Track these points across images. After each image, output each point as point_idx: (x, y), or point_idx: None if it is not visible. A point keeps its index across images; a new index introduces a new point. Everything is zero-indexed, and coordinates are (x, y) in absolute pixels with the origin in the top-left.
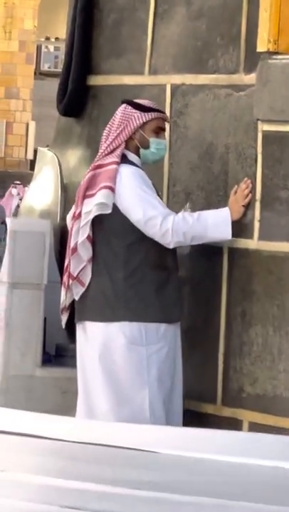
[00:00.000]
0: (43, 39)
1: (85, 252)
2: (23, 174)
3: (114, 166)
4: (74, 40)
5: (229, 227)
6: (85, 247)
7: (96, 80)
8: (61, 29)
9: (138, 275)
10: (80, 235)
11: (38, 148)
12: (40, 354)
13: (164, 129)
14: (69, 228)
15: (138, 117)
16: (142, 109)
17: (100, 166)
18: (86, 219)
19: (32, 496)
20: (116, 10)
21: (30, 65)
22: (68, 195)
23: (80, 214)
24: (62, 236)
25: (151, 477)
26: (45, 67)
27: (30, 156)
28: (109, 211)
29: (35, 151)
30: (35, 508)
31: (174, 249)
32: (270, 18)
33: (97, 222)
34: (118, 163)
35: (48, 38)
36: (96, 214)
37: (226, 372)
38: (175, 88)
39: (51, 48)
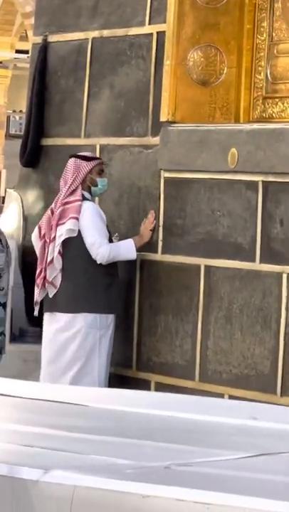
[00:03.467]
0: (11, 111)
1: (58, 264)
2: None
3: (79, 203)
4: (31, 114)
5: (133, 250)
6: (57, 260)
7: (47, 142)
8: (24, 104)
9: (92, 280)
10: (55, 251)
11: (7, 189)
12: (9, 334)
13: (104, 171)
14: (35, 246)
15: (86, 165)
16: (87, 159)
17: (67, 203)
18: (59, 240)
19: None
20: (60, 92)
21: (2, 130)
22: (27, 223)
23: (54, 237)
24: (23, 251)
25: (83, 423)
26: (12, 131)
27: (2, 193)
28: (75, 235)
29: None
30: (4, 446)
31: (116, 261)
32: (169, 98)
33: (68, 242)
34: (81, 201)
35: (14, 111)
36: (66, 237)
37: (139, 347)
38: (103, 147)
39: (17, 118)
